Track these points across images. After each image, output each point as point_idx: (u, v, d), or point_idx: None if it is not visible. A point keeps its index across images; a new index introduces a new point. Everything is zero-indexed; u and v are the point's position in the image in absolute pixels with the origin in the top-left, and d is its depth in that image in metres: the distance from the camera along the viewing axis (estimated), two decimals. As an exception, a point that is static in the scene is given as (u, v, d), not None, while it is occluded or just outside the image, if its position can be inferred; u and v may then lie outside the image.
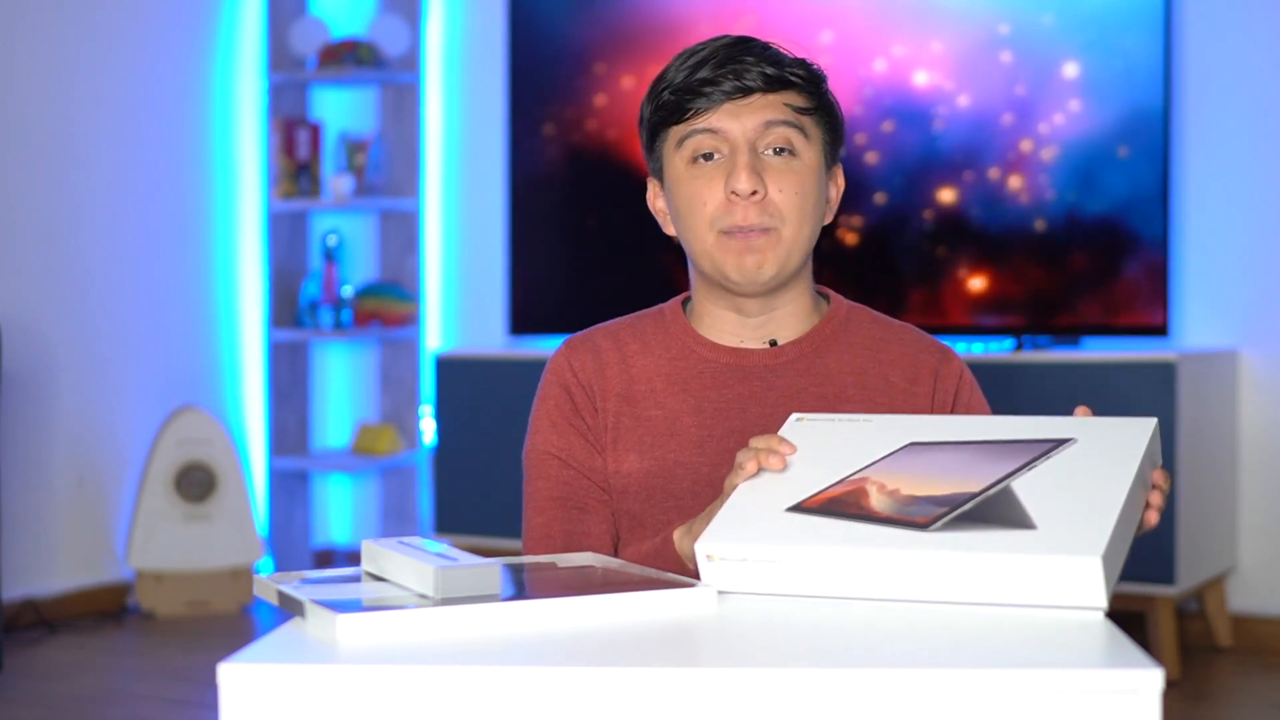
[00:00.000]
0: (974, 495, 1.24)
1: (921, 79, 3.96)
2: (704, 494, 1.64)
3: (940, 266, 3.94)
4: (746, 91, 1.63)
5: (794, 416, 1.44)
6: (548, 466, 1.70)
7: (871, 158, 4.00)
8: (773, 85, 1.63)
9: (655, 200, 1.75)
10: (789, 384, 1.68)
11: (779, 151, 1.64)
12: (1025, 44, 3.85)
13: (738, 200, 1.62)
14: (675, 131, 1.66)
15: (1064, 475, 1.26)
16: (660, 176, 1.72)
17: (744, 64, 1.63)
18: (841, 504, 1.28)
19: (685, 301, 1.79)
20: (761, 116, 1.63)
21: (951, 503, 1.23)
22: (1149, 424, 1.32)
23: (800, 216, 1.65)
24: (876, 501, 1.27)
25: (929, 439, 1.34)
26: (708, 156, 1.65)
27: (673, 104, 1.65)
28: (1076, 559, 1.13)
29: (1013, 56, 3.86)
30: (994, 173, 3.88)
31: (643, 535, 1.66)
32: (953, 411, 1.70)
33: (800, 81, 1.65)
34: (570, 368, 1.73)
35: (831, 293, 1.78)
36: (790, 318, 1.72)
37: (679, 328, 1.74)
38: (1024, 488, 1.25)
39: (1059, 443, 1.31)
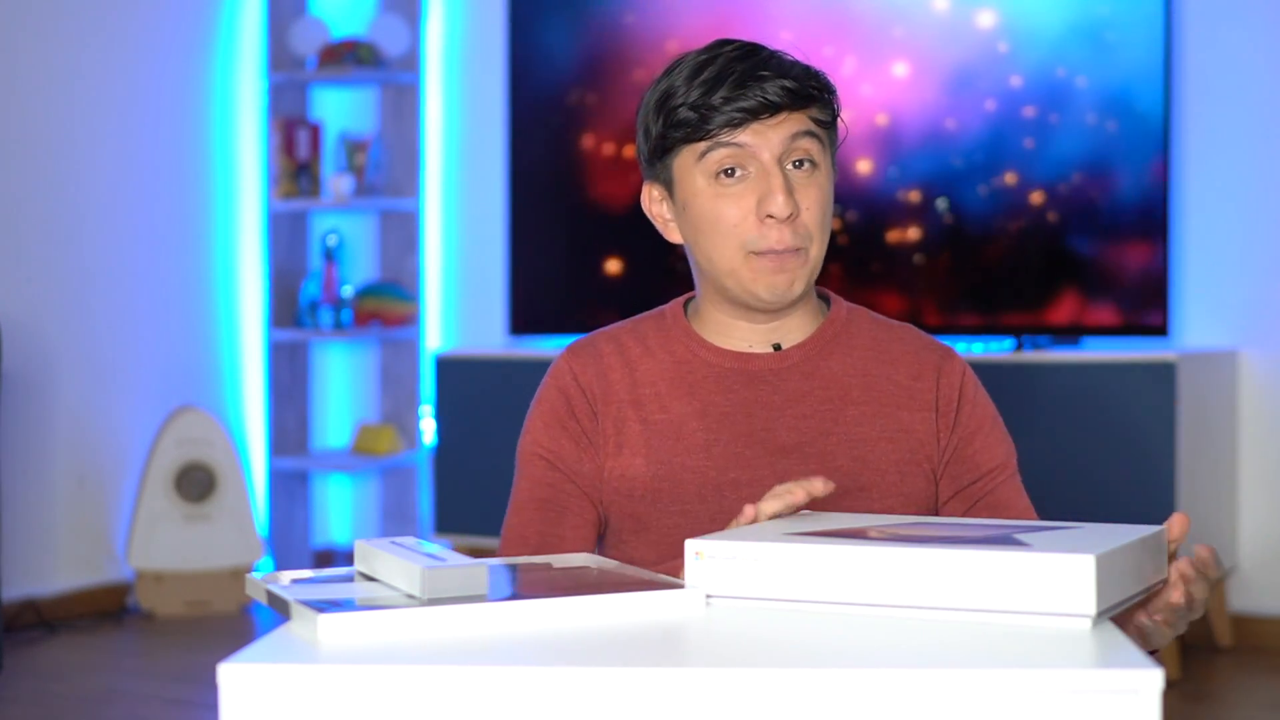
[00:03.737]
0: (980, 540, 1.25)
1: (921, 79, 3.96)
2: (709, 498, 1.64)
3: (941, 267, 3.94)
4: (774, 110, 1.59)
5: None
6: (534, 466, 1.70)
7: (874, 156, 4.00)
8: (796, 101, 1.60)
9: (654, 205, 1.71)
10: (794, 387, 1.68)
11: (799, 165, 1.61)
12: (1027, 45, 3.85)
13: (772, 223, 1.60)
14: (694, 148, 1.62)
15: (1071, 531, 1.29)
16: (669, 187, 1.68)
17: (762, 78, 1.58)
18: (839, 533, 1.30)
19: (686, 302, 1.77)
20: (786, 131, 1.60)
21: (955, 543, 1.24)
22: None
23: (823, 232, 1.64)
24: (875, 535, 1.28)
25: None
26: (729, 173, 1.61)
27: (693, 120, 1.60)
28: (1070, 556, 1.14)
29: (1014, 57, 3.86)
30: (995, 172, 3.88)
31: (648, 539, 1.66)
32: (958, 411, 1.70)
33: (819, 94, 1.63)
34: (572, 373, 1.71)
35: (831, 294, 1.77)
36: (797, 322, 1.71)
37: (681, 331, 1.73)
38: (1027, 536, 1.26)
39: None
